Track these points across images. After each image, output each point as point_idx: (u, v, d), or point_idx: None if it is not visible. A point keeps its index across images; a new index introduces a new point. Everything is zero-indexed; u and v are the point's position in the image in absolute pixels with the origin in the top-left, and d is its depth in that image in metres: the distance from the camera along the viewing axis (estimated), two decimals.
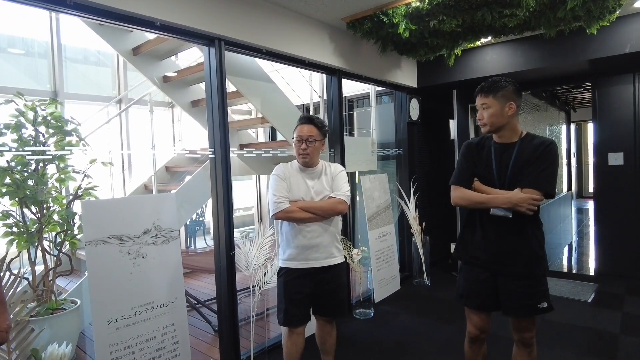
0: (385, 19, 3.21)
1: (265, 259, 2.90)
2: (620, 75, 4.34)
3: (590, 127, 8.91)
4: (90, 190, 3.01)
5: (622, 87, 4.34)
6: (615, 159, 4.38)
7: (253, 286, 2.90)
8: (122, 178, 4.93)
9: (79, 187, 2.98)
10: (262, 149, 3.40)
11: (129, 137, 4.95)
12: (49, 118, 2.91)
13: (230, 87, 3.52)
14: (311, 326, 2.50)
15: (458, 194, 2.05)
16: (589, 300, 3.83)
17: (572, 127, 9.68)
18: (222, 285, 2.79)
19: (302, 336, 2.31)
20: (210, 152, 2.76)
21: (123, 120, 4.94)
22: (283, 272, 2.32)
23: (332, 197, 2.27)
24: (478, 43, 4.11)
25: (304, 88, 4.67)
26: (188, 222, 5.77)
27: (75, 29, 4.72)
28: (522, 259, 1.95)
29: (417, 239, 4.52)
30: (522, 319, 2.01)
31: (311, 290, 2.28)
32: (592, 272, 4.68)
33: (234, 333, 2.81)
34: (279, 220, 2.30)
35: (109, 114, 4.60)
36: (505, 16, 3.21)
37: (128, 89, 4.94)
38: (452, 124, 4.79)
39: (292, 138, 2.33)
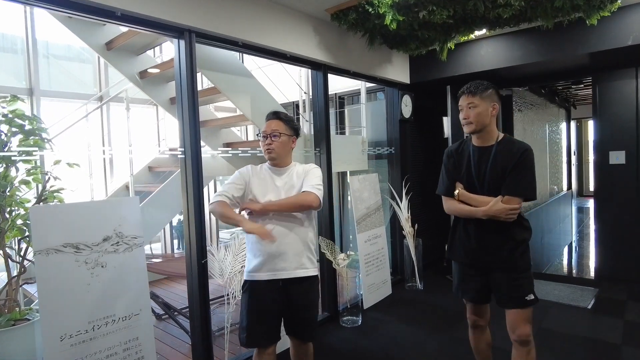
0: (370, 10, 3.02)
1: (241, 267, 2.74)
2: (621, 70, 4.14)
3: (590, 125, 8.70)
4: (55, 194, 2.82)
5: (624, 82, 4.14)
6: (617, 157, 4.18)
7: (228, 295, 2.74)
8: (103, 179, 4.75)
9: (44, 190, 2.79)
10: (240, 149, 3.22)
11: (110, 136, 4.77)
12: (10, 116, 2.72)
13: (207, 83, 3.35)
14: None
15: (447, 205, 2.19)
16: (589, 306, 3.64)
17: (573, 124, 9.47)
18: (194, 294, 2.63)
19: (273, 356, 2.11)
20: (180, 152, 2.58)
21: (104, 118, 4.76)
22: (247, 286, 2.11)
23: (303, 191, 2.08)
24: (472, 36, 3.92)
25: (291, 85, 4.48)
26: (175, 224, 5.60)
27: (56, 25, 4.55)
28: (503, 254, 2.05)
29: (410, 241, 4.35)
30: (514, 314, 2.06)
31: (279, 306, 2.07)
32: (592, 275, 4.49)
33: (207, 344, 2.64)
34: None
35: (88, 112, 4.42)
36: (500, 6, 3.03)
37: (109, 85, 4.75)
38: (446, 121, 4.60)
39: (257, 134, 2.19)
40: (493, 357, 2.35)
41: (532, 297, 2.03)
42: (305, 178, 2.12)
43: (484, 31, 3.78)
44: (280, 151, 2.10)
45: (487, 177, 2.05)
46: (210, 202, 2.06)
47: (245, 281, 2.12)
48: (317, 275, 2.16)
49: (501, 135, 2.10)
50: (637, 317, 3.36)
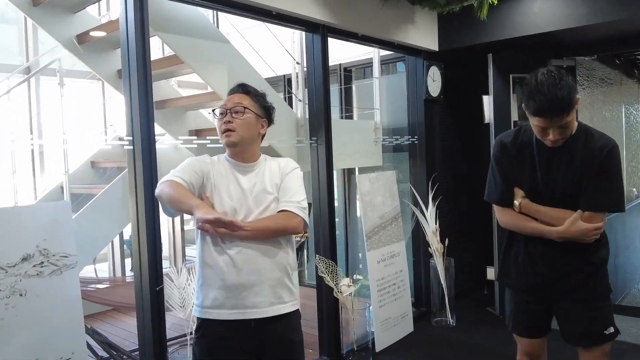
0: None
1: None
2: None
3: None
4: None
5: None
6: None
7: (191, 333, 2.73)
8: (32, 177, 4.75)
9: None
10: (209, 137, 3.21)
11: (40, 121, 4.77)
12: None
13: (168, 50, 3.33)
14: None
15: (505, 218, 2.18)
16: None
17: None
18: (146, 332, 2.64)
19: None
20: (127, 142, 2.58)
21: (33, 97, 4.76)
22: (202, 329, 2.02)
23: (282, 210, 2.00)
24: None
25: (281, 54, 4.46)
26: (127, 237, 5.60)
27: None
28: (577, 280, 2.07)
29: (438, 262, 4.33)
30: (589, 353, 2.09)
31: (250, 357, 2.01)
32: None
33: None
34: (198, 239, 2.01)
35: (10, 87, 4.41)
36: None
37: (39, 54, 4.75)
38: (487, 101, 4.57)
39: (212, 111, 2.11)
40: None
41: (611, 329, 2.05)
42: (282, 187, 2.06)
43: None
44: (244, 134, 1.99)
45: (559, 183, 2.05)
46: (158, 184, 1.97)
47: (200, 320, 2.02)
48: (298, 309, 2.10)
49: (575, 124, 2.04)
50: None
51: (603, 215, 2.01)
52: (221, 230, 1.84)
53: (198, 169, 2.00)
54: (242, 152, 2.04)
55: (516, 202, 2.11)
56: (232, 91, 2.10)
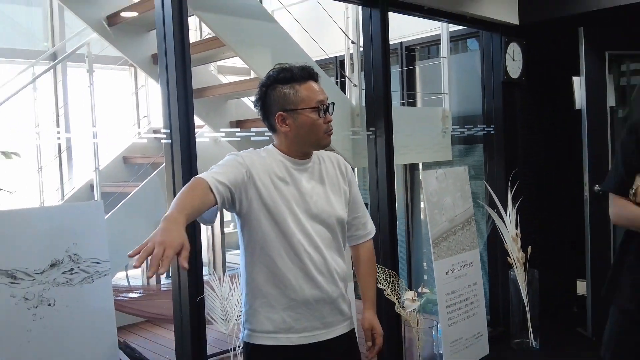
0: None
1: None
2: None
3: None
4: None
5: None
6: None
7: (234, 348, 2.79)
8: (58, 174, 4.95)
9: None
10: (254, 129, 3.26)
11: (67, 112, 4.95)
12: None
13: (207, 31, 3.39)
14: None
15: (616, 209, 2.11)
16: None
17: None
18: (185, 347, 2.70)
19: None
20: (165, 136, 2.65)
21: (59, 86, 4.96)
22: (257, 352, 2.03)
23: (369, 240, 2.21)
24: None
25: (332, 33, 4.48)
26: None
27: None
28: None
29: (519, 274, 4.27)
30: None
31: None
32: None
33: None
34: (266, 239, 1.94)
35: (35, 75, 4.61)
36: None
37: (66, 38, 4.94)
38: (578, 83, 4.45)
39: (298, 109, 1.94)
40: None
41: None
42: (354, 201, 2.14)
43: None
44: None
45: None
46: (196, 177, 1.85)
47: (252, 346, 2.03)
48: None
49: None
50: None
51: None
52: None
53: (239, 170, 1.87)
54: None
55: (633, 189, 2.03)
56: (309, 76, 1.99)
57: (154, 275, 1.45)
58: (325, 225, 2.00)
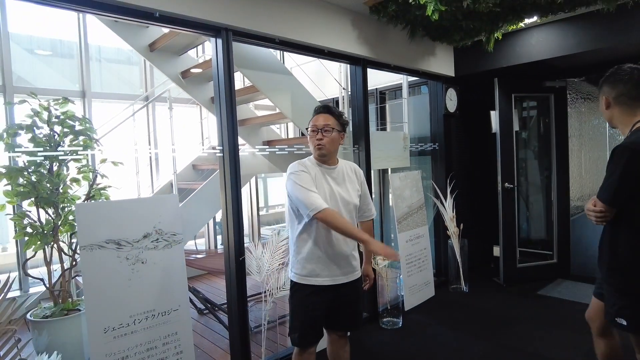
0: (411, 0, 2.92)
1: (279, 265, 2.75)
2: None
3: None
4: (101, 191, 2.96)
5: None
6: None
7: (265, 292, 2.76)
8: (149, 176, 4.95)
9: (92, 188, 2.94)
10: (278, 146, 3.22)
11: (156, 135, 4.95)
12: (62, 117, 2.88)
13: (247, 82, 3.37)
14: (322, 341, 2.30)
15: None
16: None
17: None
18: (232, 291, 2.66)
19: (314, 355, 2.12)
20: (219, 151, 2.62)
21: (150, 118, 4.95)
22: (298, 288, 2.09)
23: (370, 218, 2.27)
24: (521, 24, 3.71)
25: (330, 82, 4.45)
26: (218, 220, 5.74)
27: (105, 29, 4.79)
28: (602, 266, 1.84)
29: (454, 242, 4.21)
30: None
31: (328, 305, 2.09)
32: None
33: (245, 340, 2.66)
34: (312, 222, 1.98)
35: (135, 111, 4.61)
36: None
37: (155, 86, 4.93)
38: (494, 115, 4.39)
39: (307, 129, 2.10)
40: None
41: (623, 322, 1.76)
42: (364, 194, 2.19)
43: (534, 18, 3.56)
44: (331, 147, 2.02)
45: None
46: (319, 208, 1.88)
47: (295, 284, 2.09)
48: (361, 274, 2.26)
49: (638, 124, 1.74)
50: None
51: (600, 203, 1.73)
52: (391, 254, 1.93)
53: (309, 176, 1.99)
54: (328, 159, 2.07)
55: None
56: (319, 111, 2.07)
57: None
58: (346, 207, 2.06)
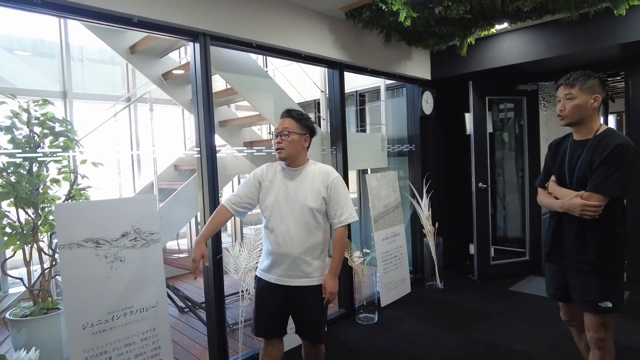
0: (384, 7, 3.03)
1: (255, 263, 2.82)
2: None
3: None
4: (82, 191, 3.00)
5: None
6: None
7: (242, 290, 2.83)
8: (131, 177, 4.97)
9: (72, 188, 2.98)
10: (257, 147, 3.30)
11: (138, 136, 4.97)
12: (42, 118, 2.91)
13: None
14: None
15: (538, 197, 2.20)
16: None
17: (611, 118, 9.04)
18: (210, 289, 2.73)
19: (277, 348, 2.17)
20: (196, 152, 2.68)
21: (132, 119, 4.97)
22: (257, 281, 2.23)
23: (342, 225, 2.08)
24: (493, 30, 3.85)
25: (312, 84, 4.53)
26: (200, 220, 5.78)
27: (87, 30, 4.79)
28: (579, 254, 1.95)
29: (430, 240, 4.33)
30: (586, 317, 1.99)
31: (282, 306, 2.13)
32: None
33: (222, 337, 2.74)
34: (263, 221, 2.18)
35: (117, 112, 4.63)
36: None
37: (137, 86, 4.95)
38: (468, 117, 4.52)
39: (269, 133, 2.21)
40: None
41: (608, 304, 1.88)
42: (332, 200, 2.07)
43: (505, 25, 3.69)
44: (291, 150, 2.06)
45: (576, 172, 1.97)
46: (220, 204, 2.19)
47: (256, 276, 2.23)
48: (321, 284, 2.11)
49: (603, 128, 1.95)
50: None
51: (600, 197, 1.84)
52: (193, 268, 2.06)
53: (254, 182, 2.16)
54: (291, 162, 2.12)
55: (547, 184, 2.12)
56: (282, 116, 2.14)
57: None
58: (300, 209, 2.06)
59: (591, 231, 1.92)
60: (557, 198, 2.03)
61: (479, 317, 3.53)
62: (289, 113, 2.13)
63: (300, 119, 2.11)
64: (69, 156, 3.20)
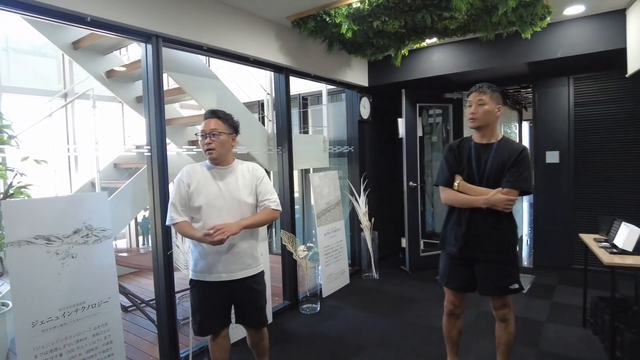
0: (327, 19, 3.25)
1: None
2: (556, 78, 4.55)
3: None
4: (22, 189, 2.90)
5: (559, 89, 4.56)
6: (552, 157, 4.60)
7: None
8: (68, 175, 4.76)
9: (10, 186, 2.87)
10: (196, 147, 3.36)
11: (75, 133, 4.77)
12: None
13: (175, 83, 3.45)
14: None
15: (446, 195, 2.31)
16: (525, 291, 4.03)
17: (525, 125, 10.04)
18: (160, 285, 2.77)
19: (226, 339, 2.24)
20: (147, 150, 2.71)
21: (69, 115, 4.76)
22: (193, 284, 2.20)
23: (267, 207, 2.15)
24: (424, 44, 4.21)
25: (256, 85, 4.64)
26: (140, 220, 5.65)
27: (17, 20, 4.51)
28: (494, 246, 2.18)
29: (367, 234, 4.60)
30: (498, 300, 2.26)
31: (228, 299, 2.17)
32: (530, 264, 4.90)
33: (173, 332, 2.78)
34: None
35: (52, 108, 4.42)
36: (446, 18, 3.31)
37: (74, 82, 4.76)
38: (401, 122, 4.88)
39: (196, 134, 2.17)
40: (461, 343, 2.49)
41: (516, 286, 2.19)
42: (260, 191, 2.16)
43: (434, 39, 4.08)
44: (221, 150, 2.08)
45: (487, 172, 2.19)
46: (173, 222, 2.11)
47: (191, 280, 2.20)
48: (262, 271, 2.24)
49: (501, 135, 2.26)
50: (562, 298, 3.78)
51: (516, 193, 2.12)
52: (216, 239, 1.95)
53: (183, 189, 2.12)
54: (220, 162, 2.15)
55: (456, 183, 2.26)
56: (206, 116, 2.13)
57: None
58: (237, 205, 2.11)
59: (502, 223, 2.18)
60: (470, 195, 2.22)
61: (411, 303, 3.87)
62: (214, 113, 2.13)
63: (226, 119, 2.12)
64: (4, 152, 3.05)
